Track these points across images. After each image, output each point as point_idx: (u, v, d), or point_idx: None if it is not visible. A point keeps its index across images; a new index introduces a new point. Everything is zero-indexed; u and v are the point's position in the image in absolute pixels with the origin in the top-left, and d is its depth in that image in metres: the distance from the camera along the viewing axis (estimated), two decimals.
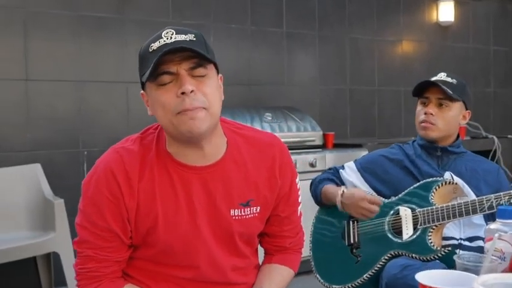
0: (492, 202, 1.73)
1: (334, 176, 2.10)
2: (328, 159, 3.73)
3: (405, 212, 1.89)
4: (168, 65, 1.18)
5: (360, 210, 1.90)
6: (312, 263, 2.07)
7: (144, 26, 3.67)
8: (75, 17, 3.44)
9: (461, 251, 1.83)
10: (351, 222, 2.00)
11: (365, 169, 2.06)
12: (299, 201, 1.49)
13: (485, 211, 1.75)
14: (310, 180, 2.12)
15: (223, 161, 1.32)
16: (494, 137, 4.67)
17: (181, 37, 1.20)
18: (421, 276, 0.90)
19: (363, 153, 4.11)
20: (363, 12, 4.69)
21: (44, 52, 3.36)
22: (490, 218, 1.85)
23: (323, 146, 3.93)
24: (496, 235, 1.16)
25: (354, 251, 1.97)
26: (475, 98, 5.35)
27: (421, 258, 1.81)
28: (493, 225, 1.23)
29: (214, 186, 1.30)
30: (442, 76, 1.97)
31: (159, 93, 1.20)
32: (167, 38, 1.20)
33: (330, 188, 2.03)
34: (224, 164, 1.32)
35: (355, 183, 2.04)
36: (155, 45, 1.20)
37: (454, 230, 1.88)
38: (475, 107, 5.28)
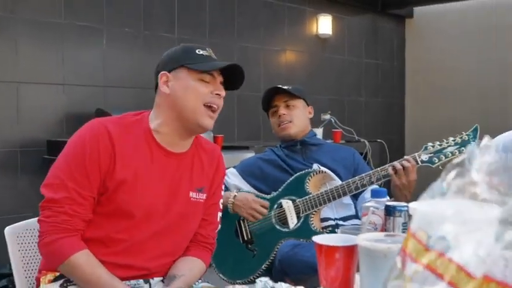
0: (357, 184, 2.06)
1: None
2: None
3: (287, 204, 2.15)
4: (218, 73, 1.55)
5: (250, 212, 2.12)
6: (213, 264, 2.19)
7: (35, 26, 3.63)
8: None
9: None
10: (241, 222, 2.21)
11: (245, 172, 2.30)
12: (220, 202, 1.71)
13: (353, 192, 2.07)
14: None
15: (191, 150, 1.60)
16: (366, 141, 5.16)
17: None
18: (317, 239, 1.12)
19: (250, 154, 4.37)
20: (252, 23, 4.96)
21: None
22: (354, 197, 2.20)
23: None
24: (370, 210, 1.44)
25: (249, 246, 2.18)
26: (349, 106, 5.94)
27: (308, 241, 2.06)
28: (368, 203, 1.51)
29: (182, 170, 1.55)
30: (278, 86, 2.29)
31: (198, 83, 1.51)
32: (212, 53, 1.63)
33: None
34: (192, 153, 1.60)
35: (238, 186, 2.27)
36: (205, 52, 1.60)
37: (328, 211, 2.17)
38: (349, 114, 5.86)
